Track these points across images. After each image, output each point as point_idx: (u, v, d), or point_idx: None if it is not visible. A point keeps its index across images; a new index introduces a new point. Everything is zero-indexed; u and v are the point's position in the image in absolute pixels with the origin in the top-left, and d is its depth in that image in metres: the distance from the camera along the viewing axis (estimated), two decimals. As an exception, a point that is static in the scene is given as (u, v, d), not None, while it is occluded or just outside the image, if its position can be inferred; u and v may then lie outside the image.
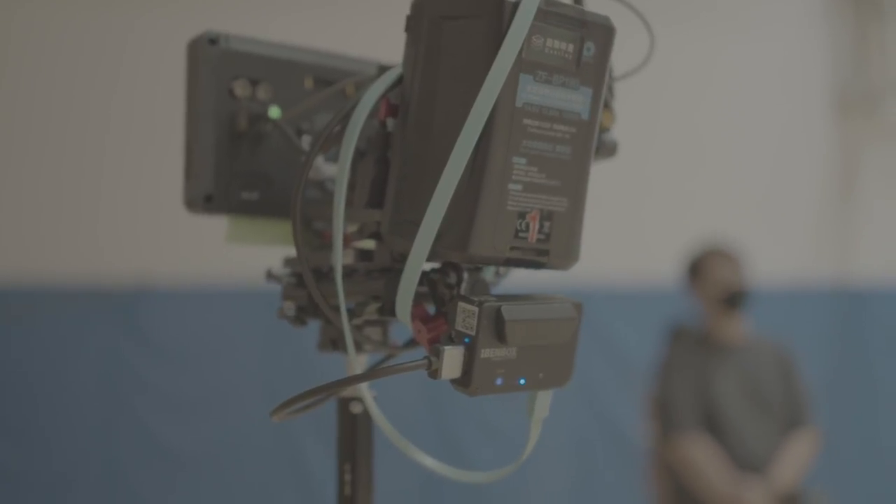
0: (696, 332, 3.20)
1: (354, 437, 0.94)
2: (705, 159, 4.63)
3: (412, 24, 0.75)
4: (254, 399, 3.61)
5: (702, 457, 2.92)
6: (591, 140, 0.77)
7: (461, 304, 0.73)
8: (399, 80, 0.77)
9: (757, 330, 3.21)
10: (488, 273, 0.86)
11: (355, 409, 0.94)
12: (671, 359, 3.17)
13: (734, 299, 3.05)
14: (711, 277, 3.09)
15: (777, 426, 3.03)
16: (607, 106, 0.89)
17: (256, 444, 3.69)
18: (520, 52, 0.70)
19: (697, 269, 3.14)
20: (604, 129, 0.89)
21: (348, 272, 0.86)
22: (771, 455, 2.96)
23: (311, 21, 3.72)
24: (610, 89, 0.90)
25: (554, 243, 0.76)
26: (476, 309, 0.72)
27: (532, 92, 0.72)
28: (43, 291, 3.61)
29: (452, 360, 0.72)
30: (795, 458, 2.97)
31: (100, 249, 3.69)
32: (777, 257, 4.32)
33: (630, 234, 4.41)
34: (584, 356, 3.44)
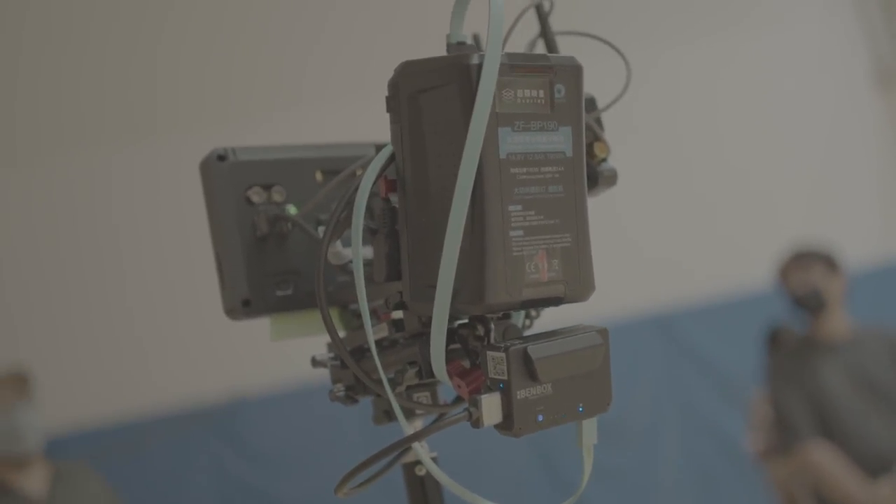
0: (796, 333, 3.13)
1: (425, 498, 0.97)
2: (761, 160, 4.61)
3: (392, 104, 0.80)
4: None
5: (827, 463, 2.83)
6: (580, 173, 0.80)
7: (489, 353, 0.77)
8: (392, 157, 0.81)
9: (862, 321, 3.09)
10: (518, 318, 0.89)
11: (420, 471, 0.97)
12: (775, 366, 3.09)
13: (802, 302, 2.99)
14: (786, 283, 3.06)
15: None
16: (599, 138, 0.92)
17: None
18: (493, 108, 0.74)
19: (779, 274, 3.11)
20: (600, 160, 0.92)
21: (389, 344, 0.90)
22: None
23: (311, 115, 3.87)
24: (598, 121, 0.93)
25: (566, 277, 0.79)
26: (503, 354, 0.76)
27: (513, 142, 0.76)
28: (150, 421, 3.73)
29: (491, 407, 0.76)
30: None
31: (191, 372, 3.80)
32: (853, 240, 4.25)
33: (702, 248, 4.39)
34: (683, 378, 3.38)
